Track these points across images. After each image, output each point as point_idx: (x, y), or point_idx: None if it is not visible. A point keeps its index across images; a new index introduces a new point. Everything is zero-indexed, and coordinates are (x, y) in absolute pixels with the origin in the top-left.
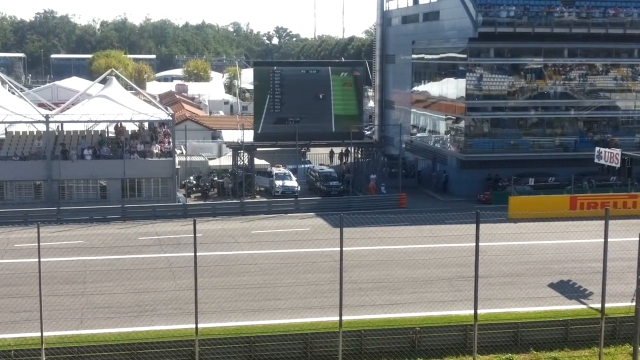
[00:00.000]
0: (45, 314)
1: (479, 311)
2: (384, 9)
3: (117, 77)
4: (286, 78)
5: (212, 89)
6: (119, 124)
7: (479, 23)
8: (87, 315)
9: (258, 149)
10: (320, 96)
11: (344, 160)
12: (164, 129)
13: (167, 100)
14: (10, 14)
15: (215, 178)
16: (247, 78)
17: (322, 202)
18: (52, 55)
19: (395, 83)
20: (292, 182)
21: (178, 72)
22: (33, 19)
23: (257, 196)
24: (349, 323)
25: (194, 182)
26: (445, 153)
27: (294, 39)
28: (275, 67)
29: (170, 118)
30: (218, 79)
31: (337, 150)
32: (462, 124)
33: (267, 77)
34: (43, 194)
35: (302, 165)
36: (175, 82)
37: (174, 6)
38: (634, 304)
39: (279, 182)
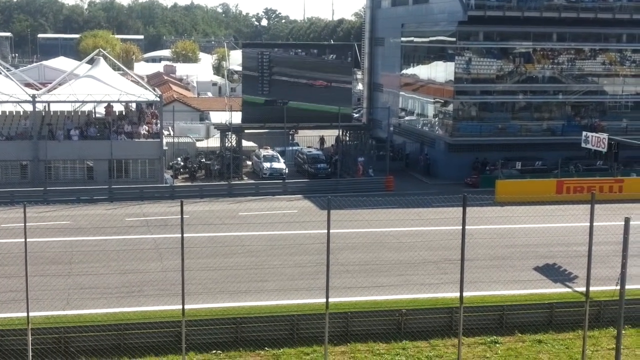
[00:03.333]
0: (32, 294)
1: (464, 294)
2: None
3: (105, 58)
4: (275, 60)
5: (200, 71)
6: (109, 104)
7: (469, 6)
8: (73, 295)
9: (246, 131)
10: (309, 78)
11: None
12: (151, 110)
13: (155, 81)
14: None
15: (203, 160)
16: (235, 60)
17: (310, 184)
18: (39, 35)
19: (384, 66)
20: (280, 164)
21: (166, 53)
22: None
23: (245, 178)
24: (336, 305)
25: (182, 163)
26: (433, 136)
27: (283, 21)
28: (264, 49)
29: (158, 99)
30: (206, 60)
31: (326, 134)
32: (450, 108)
33: (255, 59)
34: (29, 174)
35: (290, 148)
36: (164, 63)
37: None
38: (618, 287)
39: (266, 164)
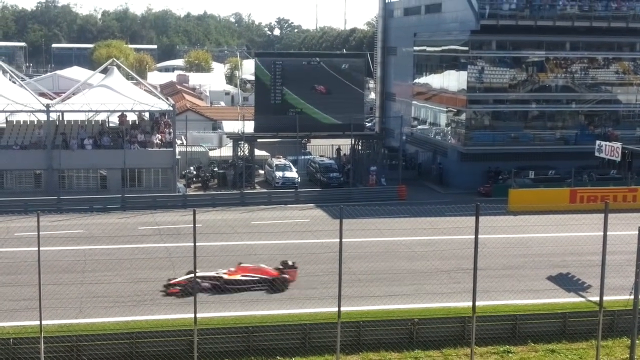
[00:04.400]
0: (45, 302)
1: (477, 303)
2: (386, 1)
3: (118, 67)
4: (287, 69)
5: (213, 80)
6: (122, 113)
7: (481, 15)
8: (86, 304)
9: (259, 140)
10: (322, 87)
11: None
12: (164, 119)
13: (168, 90)
14: (12, 2)
15: (216, 169)
16: (248, 69)
17: (322, 193)
18: (53, 45)
19: (396, 75)
20: (292, 174)
21: (179, 62)
22: (34, 8)
23: (257, 187)
24: (348, 314)
25: (194, 172)
26: (445, 145)
27: (296, 30)
28: (276, 59)
29: (171, 108)
30: (219, 70)
31: (337, 143)
32: (463, 117)
33: (268, 68)
34: (43, 183)
35: (303, 157)
36: (177, 72)
37: None
38: (632, 297)
39: (279, 173)
